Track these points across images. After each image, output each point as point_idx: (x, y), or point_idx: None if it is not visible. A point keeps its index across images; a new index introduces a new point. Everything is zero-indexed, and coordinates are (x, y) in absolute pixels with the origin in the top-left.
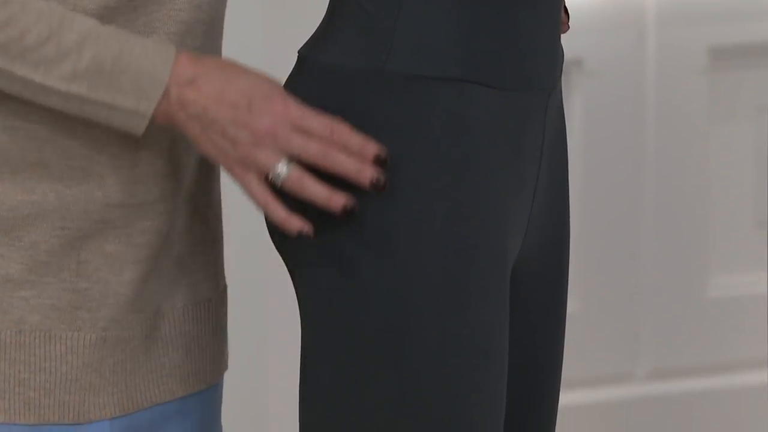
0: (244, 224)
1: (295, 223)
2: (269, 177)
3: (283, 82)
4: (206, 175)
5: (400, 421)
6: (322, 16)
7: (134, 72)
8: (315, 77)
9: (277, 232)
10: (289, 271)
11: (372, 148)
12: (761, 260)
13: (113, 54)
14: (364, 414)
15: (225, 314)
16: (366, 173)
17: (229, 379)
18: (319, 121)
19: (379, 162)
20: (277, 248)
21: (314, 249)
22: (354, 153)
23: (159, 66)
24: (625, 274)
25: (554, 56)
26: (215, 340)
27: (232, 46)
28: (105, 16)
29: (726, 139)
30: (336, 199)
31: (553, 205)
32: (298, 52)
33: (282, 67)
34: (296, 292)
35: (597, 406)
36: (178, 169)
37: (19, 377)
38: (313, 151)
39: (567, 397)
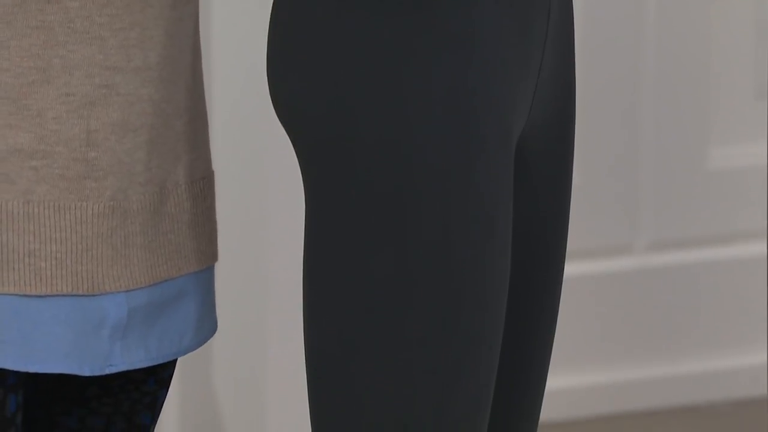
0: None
1: None
2: None
3: None
4: (199, 49)
5: (402, 294)
6: None
7: None
8: None
9: (280, 104)
10: (292, 143)
11: None
12: (761, 131)
13: None
14: (365, 287)
15: (214, 196)
16: None
17: (227, 331)
18: None
19: None
20: (281, 121)
21: (318, 112)
22: None
23: None
24: (625, 146)
25: None
26: (210, 221)
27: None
28: None
29: (727, 10)
30: None
31: (559, 79)
32: None
33: None
34: (301, 169)
35: (596, 278)
36: (177, 37)
37: (29, 248)
38: None
39: (567, 269)
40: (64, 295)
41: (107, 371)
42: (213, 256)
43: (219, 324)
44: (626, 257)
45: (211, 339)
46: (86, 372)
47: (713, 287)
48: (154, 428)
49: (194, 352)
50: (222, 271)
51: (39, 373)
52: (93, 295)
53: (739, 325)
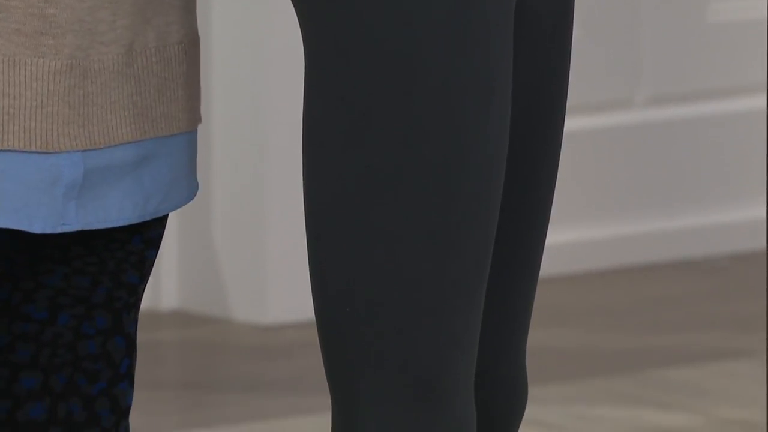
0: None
1: None
2: None
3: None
4: None
5: (402, 153)
6: None
7: None
8: None
9: None
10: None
11: None
12: None
13: None
14: (364, 145)
15: (197, 63)
16: None
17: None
18: None
19: None
20: None
21: None
22: None
23: None
24: (626, 0)
25: None
26: (188, 86)
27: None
28: None
29: None
30: None
31: None
32: None
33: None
34: (300, 23)
35: (595, 132)
36: None
37: None
38: None
39: (566, 124)
40: (15, 151)
41: (60, 230)
42: (189, 122)
43: (219, 179)
44: (626, 111)
45: (210, 194)
46: (37, 229)
47: (713, 141)
48: (143, 288)
49: (193, 209)
50: (220, 131)
51: (18, 232)
52: (47, 153)
53: (739, 178)
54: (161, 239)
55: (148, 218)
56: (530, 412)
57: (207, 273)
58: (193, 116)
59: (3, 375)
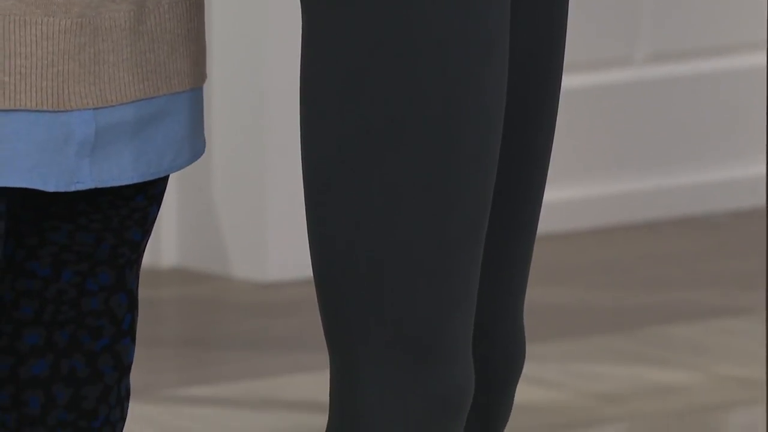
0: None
1: None
2: None
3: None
4: None
5: (399, 108)
6: None
7: None
8: None
9: None
10: None
11: None
12: None
13: None
14: (361, 99)
15: (203, 19)
16: None
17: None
18: None
19: None
20: None
21: None
22: None
23: None
24: None
25: None
26: (198, 42)
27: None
28: None
29: None
30: None
31: None
32: None
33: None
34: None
35: (595, 89)
36: None
37: None
38: None
39: (566, 81)
40: (27, 110)
41: (74, 188)
42: (198, 77)
43: (219, 136)
44: (626, 69)
45: (210, 151)
46: (51, 188)
47: (713, 98)
48: (145, 244)
49: (193, 165)
50: (220, 88)
51: (26, 189)
52: (58, 111)
53: (738, 135)
54: (163, 195)
55: (162, 175)
56: (529, 369)
57: (207, 230)
58: (202, 71)
59: (6, 331)
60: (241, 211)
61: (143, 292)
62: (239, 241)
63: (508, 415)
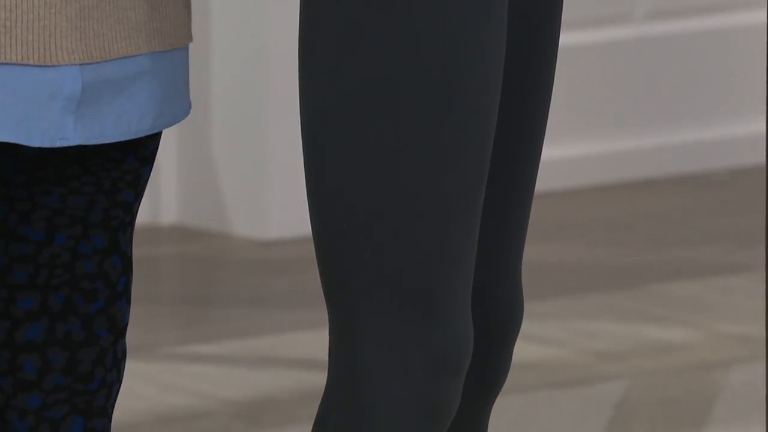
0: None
1: None
2: None
3: None
4: None
5: (398, 68)
6: None
7: None
8: None
9: None
10: None
11: None
12: None
13: None
14: (360, 56)
15: None
16: None
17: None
18: None
19: None
20: None
21: None
22: None
23: None
24: None
25: None
26: (180, 3)
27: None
28: None
29: None
30: None
31: None
32: None
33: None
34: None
35: (594, 47)
36: None
37: None
38: None
39: (566, 39)
40: (13, 64)
41: (59, 144)
42: (181, 39)
43: (218, 93)
44: (625, 26)
45: (209, 109)
46: (36, 143)
47: (713, 55)
48: (138, 206)
49: (192, 122)
50: (219, 45)
51: (16, 152)
52: (45, 66)
53: (738, 93)
54: (155, 156)
55: (143, 134)
56: (529, 327)
57: (206, 187)
58: (187, 32)
59: (1, 296)
60: (241, 168)
61: (142, 250)
62: (239, 199)
63: (507, 373)
